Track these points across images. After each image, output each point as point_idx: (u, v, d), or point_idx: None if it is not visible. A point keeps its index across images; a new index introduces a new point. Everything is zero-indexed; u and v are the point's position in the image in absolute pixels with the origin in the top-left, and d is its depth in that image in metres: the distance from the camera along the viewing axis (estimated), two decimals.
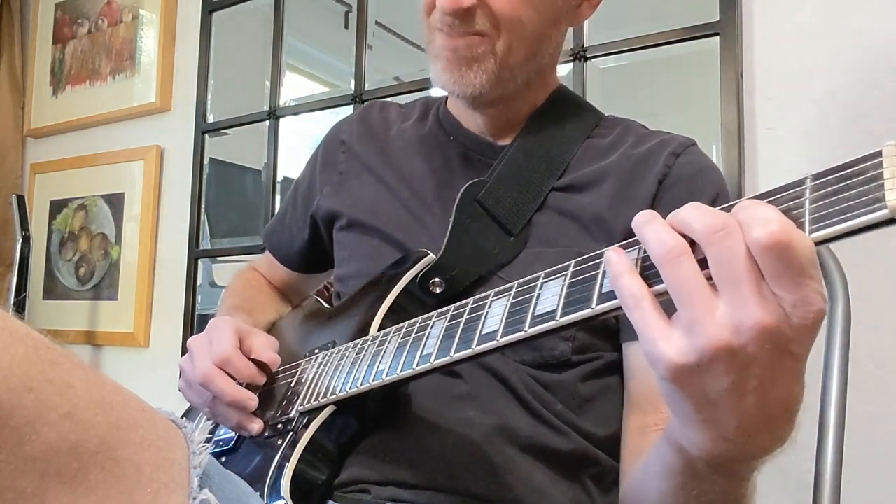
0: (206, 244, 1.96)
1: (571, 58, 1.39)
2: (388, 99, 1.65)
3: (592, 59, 1.40)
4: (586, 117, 0.89)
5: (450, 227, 0.79)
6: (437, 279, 0.77)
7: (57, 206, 2.28)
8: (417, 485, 0.70)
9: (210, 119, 1.99)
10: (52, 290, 2.25)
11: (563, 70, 1.40)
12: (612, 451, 0.77)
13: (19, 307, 2.01)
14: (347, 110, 1.73)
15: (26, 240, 2.05)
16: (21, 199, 2.09)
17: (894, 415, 1.08)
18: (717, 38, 1.26)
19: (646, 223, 0.44)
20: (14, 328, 0.42)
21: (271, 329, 0.96)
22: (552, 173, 0.82)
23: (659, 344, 0.43)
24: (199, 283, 1.95)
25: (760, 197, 0.43)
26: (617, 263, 0.46)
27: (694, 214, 0.43)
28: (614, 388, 0.79)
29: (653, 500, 0.61)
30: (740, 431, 0.46)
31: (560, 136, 0.85)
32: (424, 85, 1.62)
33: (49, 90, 2.35)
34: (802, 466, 1.10)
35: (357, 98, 1.71)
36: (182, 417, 0.56)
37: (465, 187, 0.81)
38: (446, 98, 0.95)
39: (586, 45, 1.39)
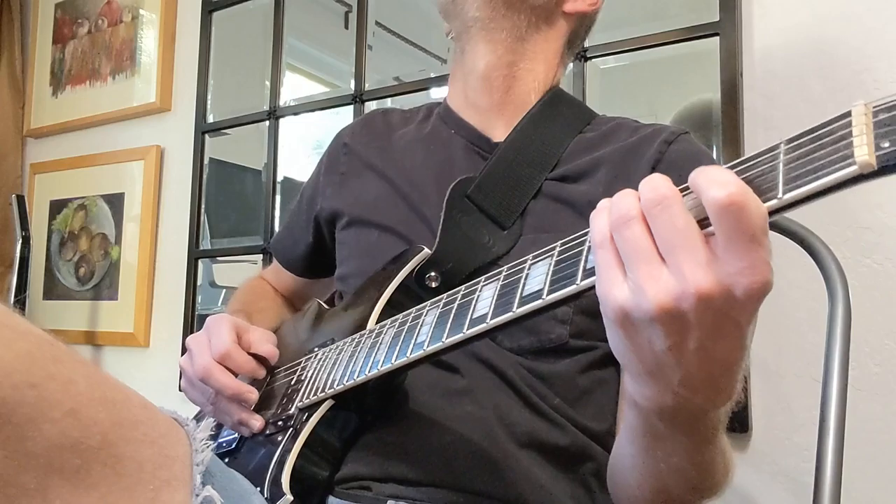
0: (206, 244, 1.96)
1: (571, 57, 1.39)
2: (390, 102, 1.67)
3: (592, 59, 1.40)
4: (578, 115, 0.91)
5: (441, 222, 0.81)
6: (433, 273, 0.78)
7: (57, 206, 2.28)
8: (418, 481, 0.71)
9: (210, 119, 1.99)
10: (52, 290, 2.25)
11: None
12: (609, 447, 0.77)
13: (19, 307, 2.01)
14: (347, 110, 1.73)
15: (26, 240, 2.05)
16: (21, 199, 2.09)
17: (894, 415, 1.08)
18: (717, 38, 1.26)
19: (618, 194, 0.47)
20: (17, 325, 0.42)
21: (274, 333, 0.97)
22: (544, 167, 0.84)
23: (612, 287, 0.46)
24: (199, 283, 1.95)
25: (739, 163, 0.45)
26: (604, 208, 0.48)
27: (642, 187, 0.45)
28: (610, 382, 0.79)
29: (626, 465, 0.64)
30: (684, 385, 0.48)
31: (551, 132, 0.87)
32: (424, 85, 1.62)
33: (49, 90, 2.35)
34: (802, 466, 1.11)
35: (357, 98, 1.71)
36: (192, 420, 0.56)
37: (453, 184, 0.83)
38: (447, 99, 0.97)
39: (586, 45, 1.39)
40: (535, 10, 0.88)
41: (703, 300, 0.42)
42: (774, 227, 0.94)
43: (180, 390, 0.84)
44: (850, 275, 0.87)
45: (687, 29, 1.30)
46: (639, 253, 0.44)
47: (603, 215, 0.47)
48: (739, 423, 1.16)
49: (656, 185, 0.44)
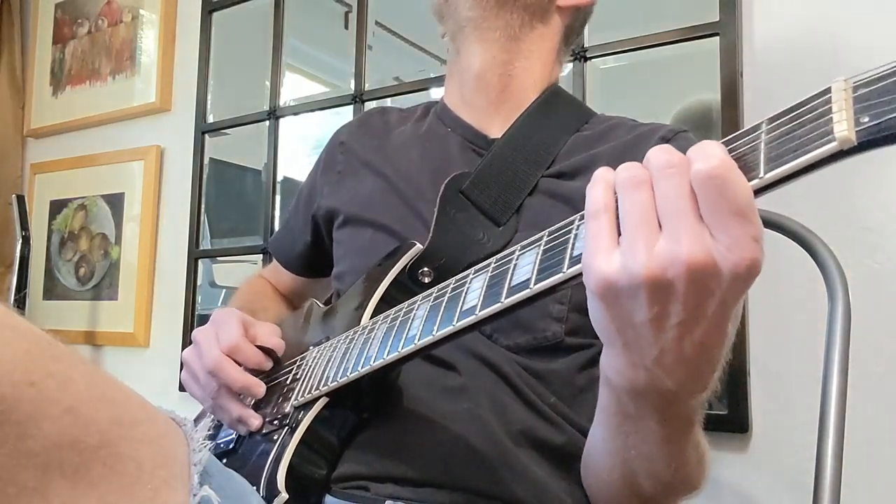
0: (206, 244, 1.96)
1: (571, 58, 1.39)
2: (390, 102, 1.67)
3: (592, 59, 1.40)
4: (576, 114, 0.92)
5: (434, 217, 0.81)
6: (426, 269, 0.78)
7: (57, 206, 2.28)
8: (415, 480, 0.71)
9: (210, 119, 1.99)
10: (52, 290, 2.25)
11: (563, 70, 1.40)
12: None
13: (19, 305, 2.01)
14: (347, 110, 1.73)
15: (26, 240, 2.05)
16: (21, 199, 2.09)
17: (894, 415, 1.08)
18: (717, 38, 1.26)
19: (624, 164, 0.47)
20: (16, 324, 0.42)
21: None
22: (540, 164, 0.84)
23: (598, 256, 0.45)
24: (199, 283, 1.95)
25: (722, 143, 0.45)
26: (601, 177, 0.48)
27: (654, 152, 0.45)
28: None
29: (597, 450, 0.64)
30: (658, 364, 0.48)
31: (548, 130, 0.87)
32: (424, 85, 1.62)
33: (49, 90, 2.35)
34: (802, 466, 1.11)
35: (357, 98, 1.71)
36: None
37: (448, 179, 0.83)
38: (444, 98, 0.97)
39: (586, 45, 1.39)
40: (527, 8, 0.88)
41: (692, 270, 0.42)
42: (774, 226, 0.94)
43: (181, 389, 0.84)
44: (850, 275, 0.87)
45: (687, 29, 1.30)
46: (643, 217, 0.44)
47: (599, 186, 0.47)
48: (739, 423, 1.16)
49: (669, 151, 0.45)
